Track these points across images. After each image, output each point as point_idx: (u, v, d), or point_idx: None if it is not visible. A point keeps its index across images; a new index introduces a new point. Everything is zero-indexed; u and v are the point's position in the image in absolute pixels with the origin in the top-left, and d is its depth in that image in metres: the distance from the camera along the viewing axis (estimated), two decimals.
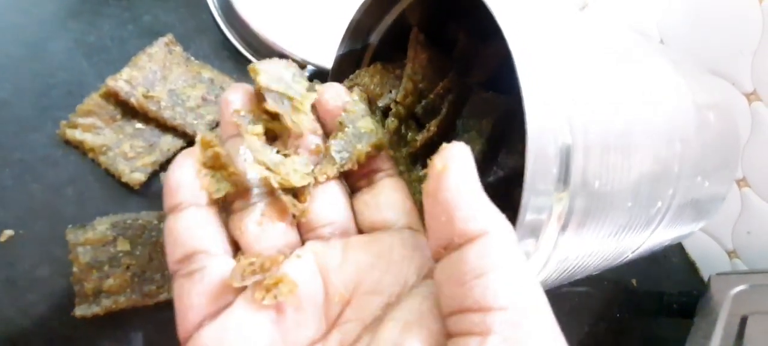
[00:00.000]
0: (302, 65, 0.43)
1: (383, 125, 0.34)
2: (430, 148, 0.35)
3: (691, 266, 0.66)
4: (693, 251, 0.66)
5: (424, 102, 0.35)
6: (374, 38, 0.38)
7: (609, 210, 0.24)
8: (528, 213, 0.19)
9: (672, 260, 0.65)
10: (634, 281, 0.61)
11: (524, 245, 0.21)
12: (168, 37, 0.39)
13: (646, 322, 0.59)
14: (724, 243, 0.63)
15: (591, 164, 0.21)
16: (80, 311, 0.30)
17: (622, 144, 0.23)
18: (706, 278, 0.65)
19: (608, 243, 0.26)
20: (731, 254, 0.63)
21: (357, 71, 0.38)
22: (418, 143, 0.33)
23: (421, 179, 0.32)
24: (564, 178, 0.20)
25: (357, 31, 0.37)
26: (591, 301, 0.57)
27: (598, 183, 0.22)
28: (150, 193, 0.35)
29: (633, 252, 0.32)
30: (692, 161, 0.29)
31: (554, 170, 0.20)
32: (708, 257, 0.66)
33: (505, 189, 0.34)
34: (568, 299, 0.56)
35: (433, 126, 0.33)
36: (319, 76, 0.42)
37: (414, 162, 0.34)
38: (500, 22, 0.21)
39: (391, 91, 0.37)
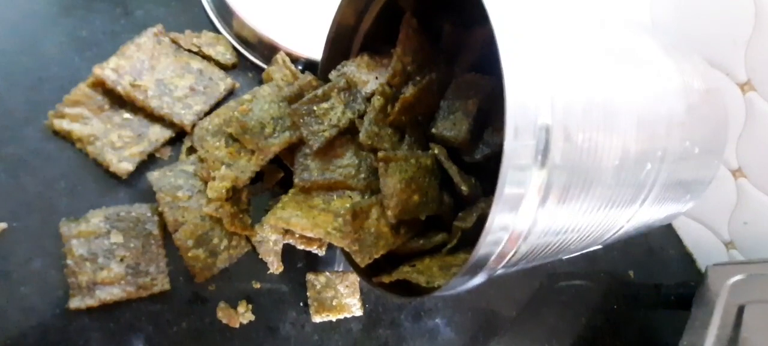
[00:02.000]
0: (294, 58, 0.43)
1: (367, 110, 0.35)
2: (414, 127, 0.35)
3: (687, 257, 0.66)
4: (689, 242, 0.66)
5: (410, 83, 0.35)
6: (361, 30, 0.39)
7: (592, 184, 0.24)
8: (506, 187, 0.20)
9: (669, 252, 0.65)
10: (631, 273, 0.61)
11: (503, 218, 0.21)
12: (157, 28, 0.38)
13: (643, 313, 0.59)
14: (720, 234, 0.63)
15: (572, 138, 0.21)
16: (74, 303, 0.30)
17: (604, 115, 0.23)
18: (702, 269, 0.65)
19: (592, 217, 0.26)
20: (728, 244, 0.63)
21: (344, 61, 0.38)
22: (396, 109, 0.33)
23: (419, 159, 0.32)
24: (543, 152, 0.20)
25: (343, 23, 0.37)
26: (588, 293, 0.57)
27: (579, 157, 0.22)
28: (139, 184, 0.35)
29: (621, 229, 0.32)
30: (681, 126, 0.29)
31: (532, 144, 0.20)
32: (705, 248, 0.66)
33: (492, 166, 0.34)
34: (566, 291, 0.56)
35: (410, 92, 0.33)
36: (310, 67, 0.42)
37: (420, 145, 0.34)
38: (485, 2, 0.21)
39: (377, 78, 0.37)
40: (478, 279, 0.24)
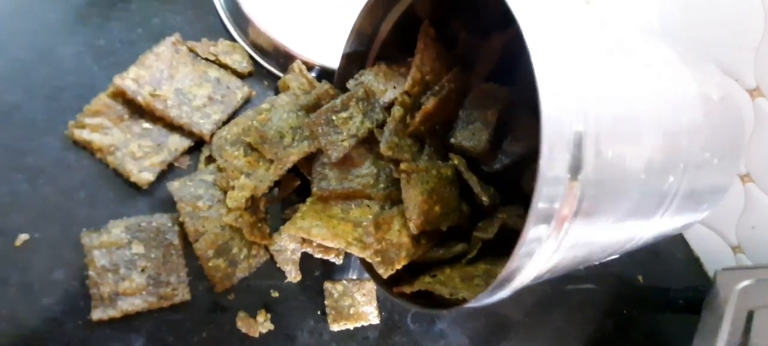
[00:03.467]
0: (309, 65, 0.43)
1: (385, 121, 0.35)
2: (433, 136, 0.35)
3: (695, 262, 0.66)
4: (697, 246, 0.67)
5: (428, 93, 0.36)
6: (378, 39, 0.39)
7: (619, 197, 0.24)
8: (541, 201, 0.20)
9: (677, 256, 0.66)
10: (639, 277, 0.61)
11: (537, 230, 0.21)
12: (175, 37, 0.39)
13: (652, 318, 0.59)
14: (728, 238, 0.63)
15: (604, 151, 0.21)
16: (97, 314, 0.30)
17: (632, 128, 0.24)
18: (710, 274, 0.65)
19: (617, 229, 0.26)
20: (736, 249, 0.64)
21: (362, 70, 0.39)
22: (417, 119, 0.33)
23: (438, 170, 0.32)
24: (577, 166, 0.20)
25: (361, 32, 0.37)
26: (597, 297, 0.57)
27: (609, 170, 0.22)
28: (159, 193, 0.35)
29: (641, 239, 0.32)
30: (700, 137, 0.29)
31: (568, 156, 0.20)
32: (712, 253, 0.66)
33: (511, 176, 0.35)
34: (575, 295, 0.56)
35: (431, 104, 0.33)
36: (325, 75, 0.42)
37: (441, 156, 0.34)
38: (514, 10, 0.21)
39: (395, 87, 0.37)
40: (507, 291, 0.24)
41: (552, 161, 0.20)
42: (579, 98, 0.21)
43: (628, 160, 0.23)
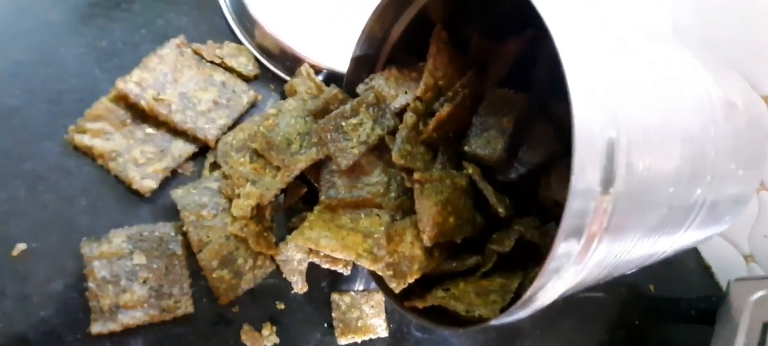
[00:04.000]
0: (316, 69, 0.42)
1: (396, 127, 0.34)
2: (446, 144, 0.34)
3: (707, 271, 0.65)
4: (709, 255, 0.65)
5: (442, 99, 0.34)
6: (388, 42, 0.38)
7: (648, 210, 0.23)
8: (571, 216, 0.19)
9: (688, 265, 0.64)
10: (651, 287, 0.60)
11: (568, 245, 0.20)
12: (180, 39, 0.37)
13: (664, 328, 0.58)
14: (740, 247, 0.62)
15: (634, 165, 0.20)
16: (96, 328, 0.29)
17: (662, 139, 0.22)
18: (722, 282, 0.64)
19: (643, 244, 0.25)
20: (748, 258, 0.62)
21: (372, 75, 0.37)
22: (431, 127, 0.32)
23: (446, 178, 0.31)
24: (609, 177, 0.19)
25: (371, 35, 0.36)
26: (608, 307, 0.56)
27: (639, 184, 0.21)
28: (162, 201, 0.34)
29: (663, 253, 0.31)
30: (727, 148, 0.28)
31: (599, 169, 0.19)
32: (724, 261, 0.65)
33: (525, 185, 0.33)
34: (586, 305, 0.55)
35: (445, 110, 0.32)
36: (333, 79, 0.41)
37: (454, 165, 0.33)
38: (542, 13, 0.20)
39: (406, 93, 0.36)
40: (529, 310, 0.23)
41: (583, 174, 0.18)
42: (611, 107, 0.19)
43: (658, 172, 0.22)
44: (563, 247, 0.19)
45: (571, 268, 0.21)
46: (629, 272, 0.33)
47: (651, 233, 0.25)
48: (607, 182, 0.19)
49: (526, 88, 0.34)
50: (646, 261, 0.30)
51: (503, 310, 0.26)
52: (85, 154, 0.33)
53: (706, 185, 0.27)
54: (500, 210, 0.30)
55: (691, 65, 0.30)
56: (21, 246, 0.30)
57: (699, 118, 0.27)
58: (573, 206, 0.19)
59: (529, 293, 0.21)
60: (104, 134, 0.33)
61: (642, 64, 0.24)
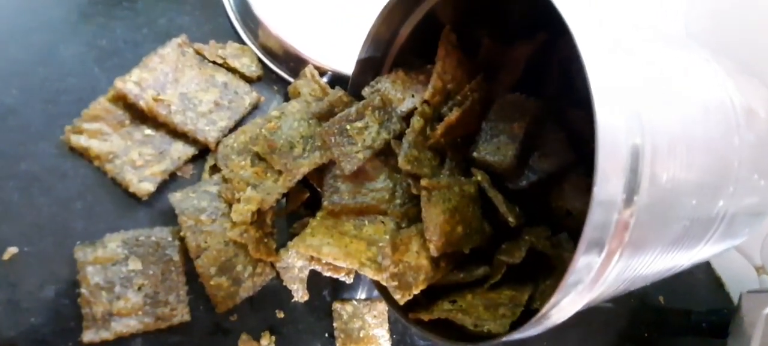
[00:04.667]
0: (321, 71, 0.41)
1: (403, 131, 0.33)
2: (454, 149, 0.33)
3: (717, 282, 0.64)
4: (719, 266, 0.64)
5: (450, 103, 0.33)
6: (395, 44, 0.37)
7: (670, 223, 0.22)
8: (592, 228, 0.17)
9: (698, 276, 0.63)
10: (661, 298, 0.58)
11: (588, 258, 0.19)
12: (182, 38, 0.37)
13: (674, 341, 0.56)
14: (752, 258, 0.61)
15: (658, 176, 0.19)
16: (88, 336, 0.28)
17: (686, 149, 0.21)
18: (733, 295, 0.63)
19: (663, 257, 0.24)
20: (759, 269, 0.61)
21: (378, 77, 0.36)
22: (439, 131, 0.31)
23: (451, 186, 0.29)
24: (632, 188, 0.18)
25: (378, 36, 0.35)
26: (618, 319, 0.55)
27: (662, 196, 0.20)
28: (159, 204, 0.33)
29: (680, 267, 0.30)
30: (750, 158, 0.27)
31: (622, 180, 0.18)
32: (735, 273, 0.63)
33: (537, 193, 0.32)
34: (594, 316, 0.54)
35: (454, 115, 0.31)
36: (339, 82, 0.40)
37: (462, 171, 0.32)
38: (564, 15, 0.19)
39: (413, 96, 0.35)
40: (543, 327, 0.22)
41: (606, 184, 0.17)
42: (636, 113, 0.18)
43: (681, 182, 0.21)
44: (583, 260, 0.18)
45: (589, 283, 0.19)
46: (646, 285, 0.32)
47: (671, 247, 0.24)
48: (631, 192, 0.18)
49: (537, 93, 0.33)
50: (663, 275, 0.29)
51: (514, 324, 0.25)
52: (82, 155, 0.32)
53: (729, 197, 0.26)
54: (510, 219, 0.29)
55: (713, 71, 0.28)
56: (12, 250, 0.29)
57: (723, 126, 0.25)
58: (594, 217, 0.17)
59: (545, 309, 0.20)
60: (101, 135, 0.32)
61: (665, 69, 0.23)
